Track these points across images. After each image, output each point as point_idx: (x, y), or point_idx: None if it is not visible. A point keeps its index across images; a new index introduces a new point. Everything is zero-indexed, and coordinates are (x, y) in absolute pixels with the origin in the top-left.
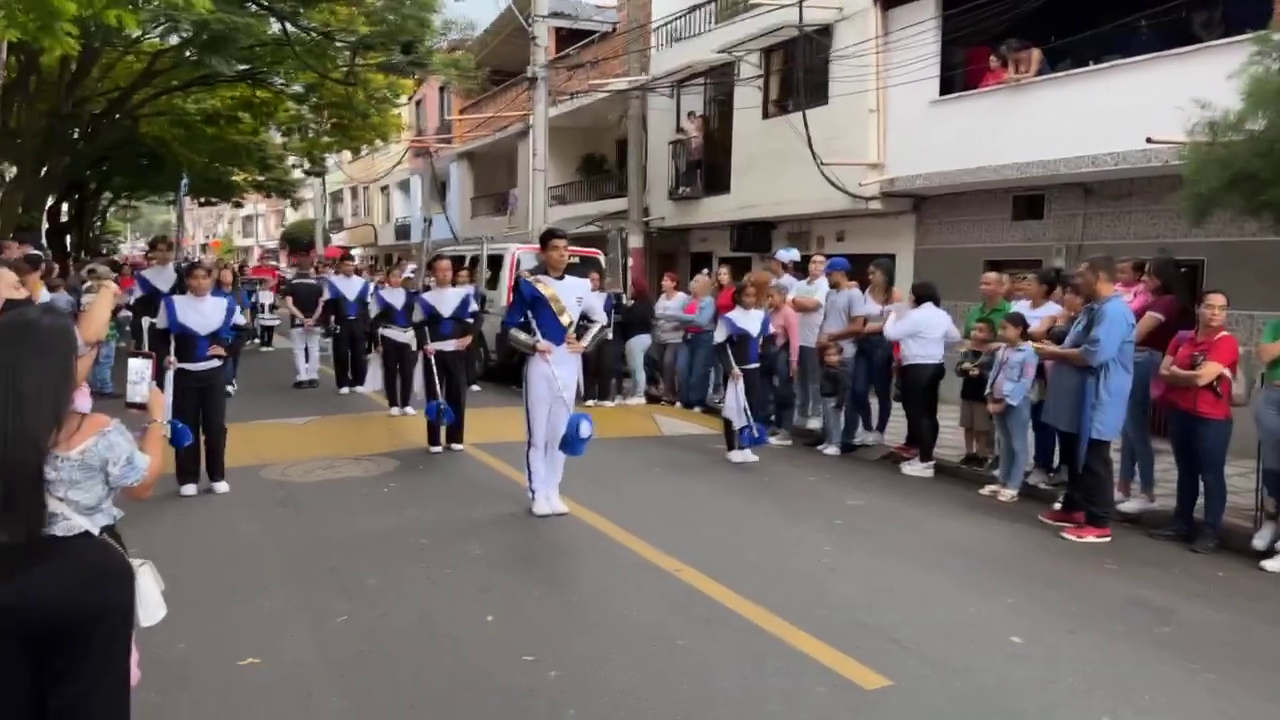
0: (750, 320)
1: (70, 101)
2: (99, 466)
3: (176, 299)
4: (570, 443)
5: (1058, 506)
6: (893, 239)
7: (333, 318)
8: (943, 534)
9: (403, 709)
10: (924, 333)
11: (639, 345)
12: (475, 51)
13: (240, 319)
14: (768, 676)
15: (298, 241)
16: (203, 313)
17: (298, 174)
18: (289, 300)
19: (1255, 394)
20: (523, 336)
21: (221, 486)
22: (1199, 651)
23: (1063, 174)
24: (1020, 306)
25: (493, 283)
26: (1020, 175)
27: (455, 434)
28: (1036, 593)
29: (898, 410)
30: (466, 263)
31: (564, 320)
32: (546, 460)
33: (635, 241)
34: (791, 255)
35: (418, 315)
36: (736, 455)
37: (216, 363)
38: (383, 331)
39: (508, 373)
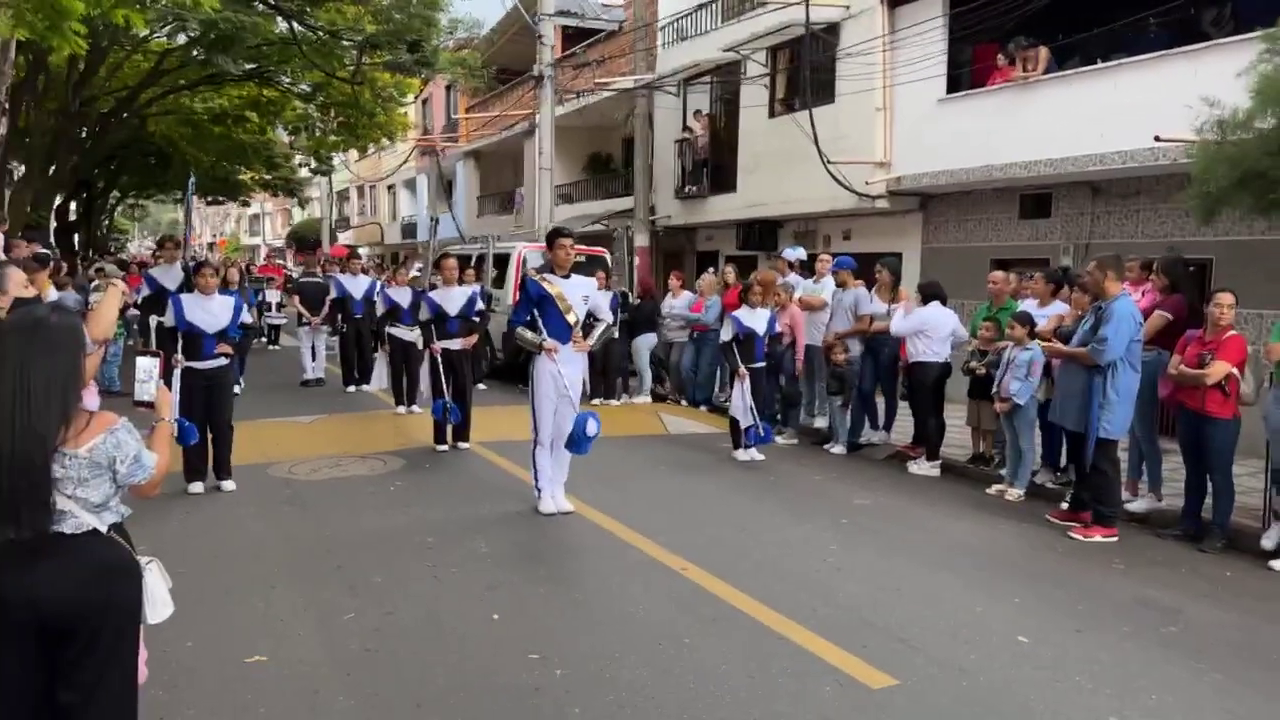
0: (756, 319)
1: (78, 100)
2: (107, 464)
3: (184, 297)
4: (577, 441)
5: (1065, 506)
6: (899, 238)
7: (339, 316)
8: (949, 533)
9: (409, 706)
10: (930, 331)
11: (645, 344)
12: (482, 50)
13: (247, 317)
14: (774, 676)
15: (304, 240)
16: (210, 311)
17: (304, 173)
18: (295, 299)
19: (1264, 393)
20: (529, 335)
21: (228, 484)
22: (1206, 651)
23: (1070, 173)
24: (1027, 305)
25: (499, 281)
26: (1027, 174)
27: (461, 432)
28: (1043, 592)
29: (904, 409)
30: (473, 261)
31: (570, 319)
32: (552, 459)
33: (641, 240)
34: (798, 254)
35: (424, 314)
36: (742, 454)
37: (224, 361)
38: (389, 330)
39: (514, 371)
